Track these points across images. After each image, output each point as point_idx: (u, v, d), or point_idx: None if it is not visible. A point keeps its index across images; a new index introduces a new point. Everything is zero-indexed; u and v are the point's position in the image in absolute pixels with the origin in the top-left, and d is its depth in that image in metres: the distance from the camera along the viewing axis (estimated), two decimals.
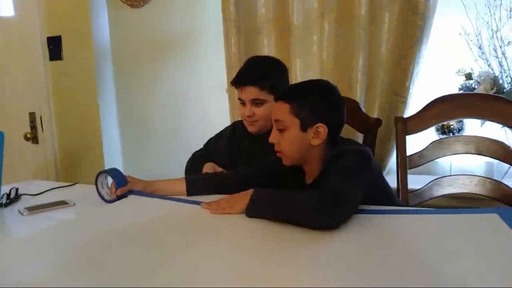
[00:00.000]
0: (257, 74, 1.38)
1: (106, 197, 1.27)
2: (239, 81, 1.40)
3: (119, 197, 1.25)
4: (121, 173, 1.28)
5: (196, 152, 1.66)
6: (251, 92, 1.37)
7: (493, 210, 0.96)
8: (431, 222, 0.96)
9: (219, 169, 1.44)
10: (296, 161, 1.15)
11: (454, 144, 1.47)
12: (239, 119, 1.53)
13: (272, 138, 1.13)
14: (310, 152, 1.11)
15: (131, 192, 1.27)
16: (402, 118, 1.52)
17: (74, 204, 1.25)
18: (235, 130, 1.59)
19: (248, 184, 1.21)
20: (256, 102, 1.38)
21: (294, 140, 1.09)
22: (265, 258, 0.80)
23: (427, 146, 1.50)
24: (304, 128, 1.08)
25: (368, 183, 1.03)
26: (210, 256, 0.81)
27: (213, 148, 1.61)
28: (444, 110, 1.46)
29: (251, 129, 1.44)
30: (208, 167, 1.47)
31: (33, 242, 0.96)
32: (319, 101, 1.09)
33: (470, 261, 0.73)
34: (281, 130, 1.11)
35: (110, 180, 1.30)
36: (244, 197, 1.04)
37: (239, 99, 1.42)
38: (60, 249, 0.91)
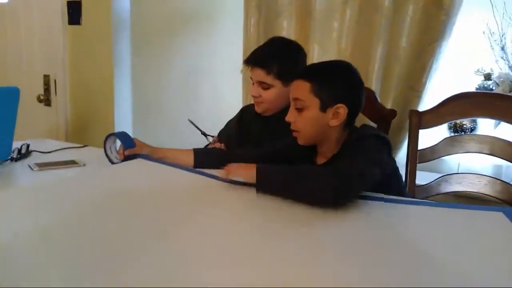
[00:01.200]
0: (267, 57, 1.35)
1: (114, 160, 1.28)
2: (248, 60, 1.39)
3: (126, 159, 1.25)
4: (129, 136, 1.29)
5: None
6: (258, 74, 1.36)
7: (499, 209, 0.95)
8: (436, 215, 0.96)
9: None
10: (311, 142, 1.14)
11: (467, 143, 1.46)
12: (252, 102, 1.53)
13: (289, 117, 1.11)
14: (327, 133, 1.10)
15: (138, 155, 1.27)
16: (417, 111, 1.51)
17: (84, 165, 1.26)
18: (244, 114, 1.59)
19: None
20: (263, 85, 1.37)
21: (313, 120, 1.08)
22: (264, 232, 0.81)
23: (440, 142, 1.49)
24: (323, 108, 1.06)
25: (388, 168, 1.03)
26: (210, 225, 0.82)
27: (225, 138, 1.59)
28: (461, 107, 1.44)
29: (257, 109, 1.44)
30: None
31: (39, 195, 0.98)
32: (340, 81, 1.08)
33: (471, 255, 0.73)
34: (299, 109, 1.09)
35: (118, 144, 1.30)
36: (251, 166, 1.03)
37: (250, 77, 1.42)
38: (65, 205, 0.92)
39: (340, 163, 0.99)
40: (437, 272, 0.65)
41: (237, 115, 1.63)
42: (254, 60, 1.37)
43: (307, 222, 0.86)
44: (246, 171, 1.04)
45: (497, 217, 0.91)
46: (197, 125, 1.53)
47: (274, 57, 1.35)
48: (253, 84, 1.42)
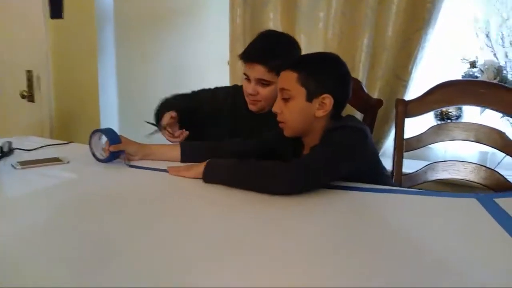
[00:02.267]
0: (268, 53, 1.29)
1: (100, 157, 1.26)
2: (248, 56, 1.32)
3: (112, 157, 1.22)
4: (115, 132, 1.26)
5: (171, 98, 1.54)
6: (258, 71, 1.30)
7: (473, 195, 0.98)
8: (411, 202, 0.98)
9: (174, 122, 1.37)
10: (297, 133, 1.13)
11: (453, 130, 1.46)
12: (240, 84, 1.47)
13: (275, 108, 1.11)
14: (313, 124, 1.09)
15: (122, 152, 1.23)
16: (403, 100, 1.51)
17: (68, 162, 1.24)
18: (236, 101, 1.48)
19: (245, 158, 1.20)
20: (262, 82, 1.32)
21: (299, 110, 1.08)
22: (246, 227, 0.80)
23: (426, 131, 1.49)
24: (310, 98, 1.06)
25: (362, 160, 1.03)
26: (192, 221, 0.82)
27: (207, 105, 1.50)
28: (447, 95, 1.45)
29: (251, 107, 1.39)
30: (167, 117, 1.36)
31: (22, 194, 0.97)
32: (327, 72, 1.08)
33: (444, 240, 0.74)
34: (285, 100, 1.09)
35: (104, 140, 1.28)
36: (201, 164, 1.06)
37: (244, 73, 1.35)
38: (48, 204, 0.91)
39: (306, 155, 1.01)
40: (410, 257, 0.66)
41: (228, 96, 1.51)
42: (254, 56, 1.31)
43: (287, 214, 0.86)
44: (196, 169, 1.07)
45: (471, 203, 0.93)
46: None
47: (275, 53, 1.29)
48: (247, 80, 1.35)
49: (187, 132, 1.36)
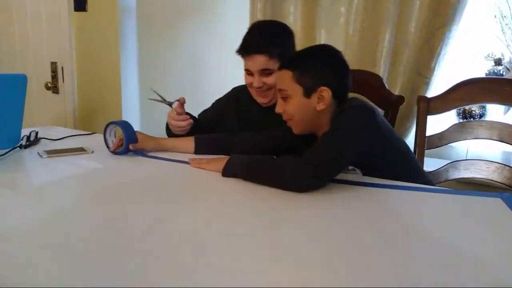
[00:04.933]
0: (266, 41, 1.28)
1: (116, 150, 1.26)
2: (246, 49, 1.30)
3: (125, 150, 1.23)
4: (131, 126, 1.25)
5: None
6: (260, 61, 1.28)
7: (497, 195, 0.96)
8: (434, 200, 0.96)
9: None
10: (306, 129, 1.13)
11: (476, 129, 1.44)
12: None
13: (278, 108, 1.13)
14: (319, 118, 1.09)
15: (139, 152, 1.26)
16: (425, 97, 1.49)
17: (92, 152, 1.27)
18: (240, 99, 1.49)
19: (259, 152, 1.20)
20: (266, 72, 1.30)
21: (299, 107, 1.08)
22: (261, 221, 0.80)
23: (448, 128, 1.47)
24: (308, 94, 1.07)
25: (373, 138, 1.02)
26: (209, 215, 0.83)
27: (214, 117, 1.51)
28: (470, 93, 1.42)
29: (262, 100, 1.37)
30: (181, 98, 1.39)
31: (49, 182, 0.99)
32: (321, 65, 1.08)
33: (467, 240, 0.73)
34: (284, 99, 1.10)
35: (117, 134, 1.29)
36: (224, 158, 1.08)
37: (246, 69, 1.33)
38: (76, 193, 0.94)
39: (313, 146, 0.99)
40: (431, 256, 0.65)
41: (229, 98, 1.53)
42: (253, 47, 1.29)
43: (299, 209, 0.86)
44: (217, 163, 1.08)
45: (495, 202, 0.92)
46: (163, 96, 1.41)
47: (272, 39, 1.28)
48: (249, 76, 1.33)
49: (191, 121, 1.38)
